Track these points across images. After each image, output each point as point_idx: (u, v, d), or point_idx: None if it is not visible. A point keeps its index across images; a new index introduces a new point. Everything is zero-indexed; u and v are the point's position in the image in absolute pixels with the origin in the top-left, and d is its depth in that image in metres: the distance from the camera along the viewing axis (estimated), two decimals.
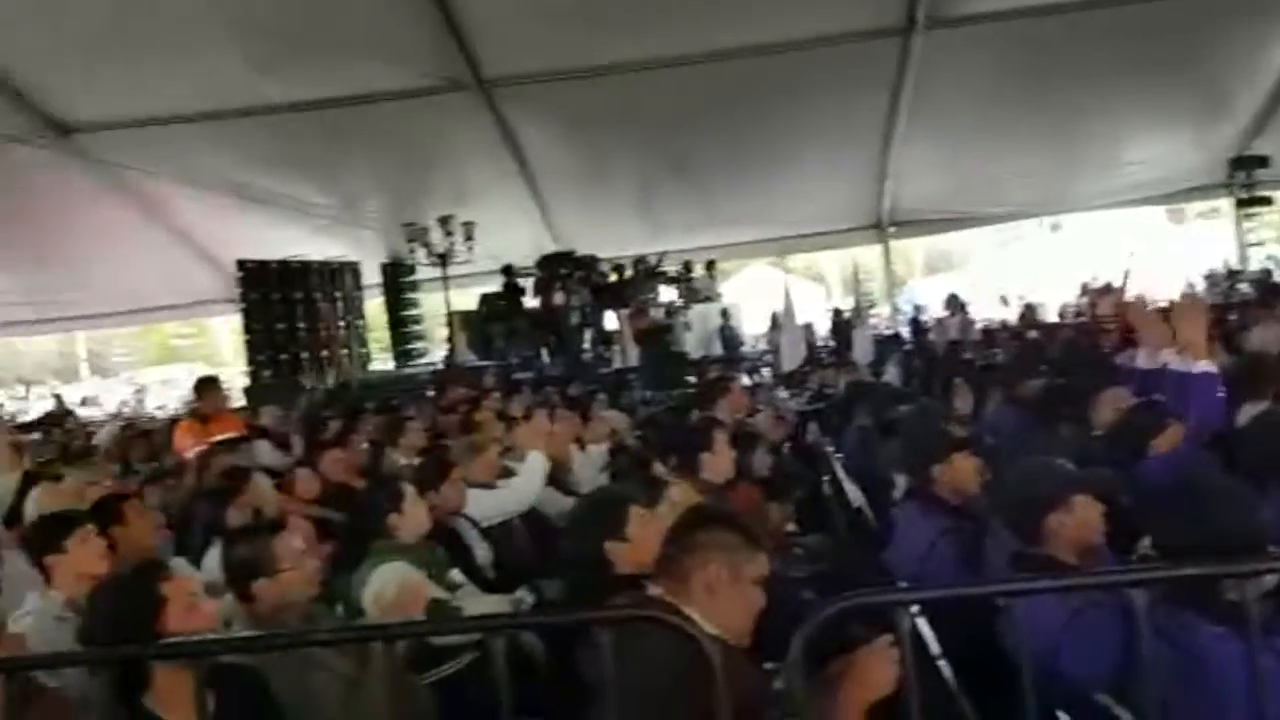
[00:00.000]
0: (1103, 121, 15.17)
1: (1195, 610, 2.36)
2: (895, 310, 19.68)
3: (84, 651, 2.77)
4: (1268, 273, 16.65)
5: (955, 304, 15.31)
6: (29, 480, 5.51)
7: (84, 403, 21.52)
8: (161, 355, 31.88)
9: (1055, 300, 17.72)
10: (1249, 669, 2.04)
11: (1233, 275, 17.11)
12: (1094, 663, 2.57)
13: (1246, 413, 4.20)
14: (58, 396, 19.74)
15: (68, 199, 14.82)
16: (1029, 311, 15.93)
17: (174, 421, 10.49)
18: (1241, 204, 17.44)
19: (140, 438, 10.21)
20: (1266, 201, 17.37)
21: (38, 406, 21.05)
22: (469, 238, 15.58)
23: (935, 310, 17.00)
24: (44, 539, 3.74)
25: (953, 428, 3.94)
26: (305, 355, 16.56)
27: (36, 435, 12.10)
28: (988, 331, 14.13)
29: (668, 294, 17.28)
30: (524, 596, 4.10)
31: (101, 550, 3.74)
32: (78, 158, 14.07)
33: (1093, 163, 16.62)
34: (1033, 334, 12.71)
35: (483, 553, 4.67)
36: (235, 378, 17.78)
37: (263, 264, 16.27)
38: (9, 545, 4.50)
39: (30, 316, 18.56)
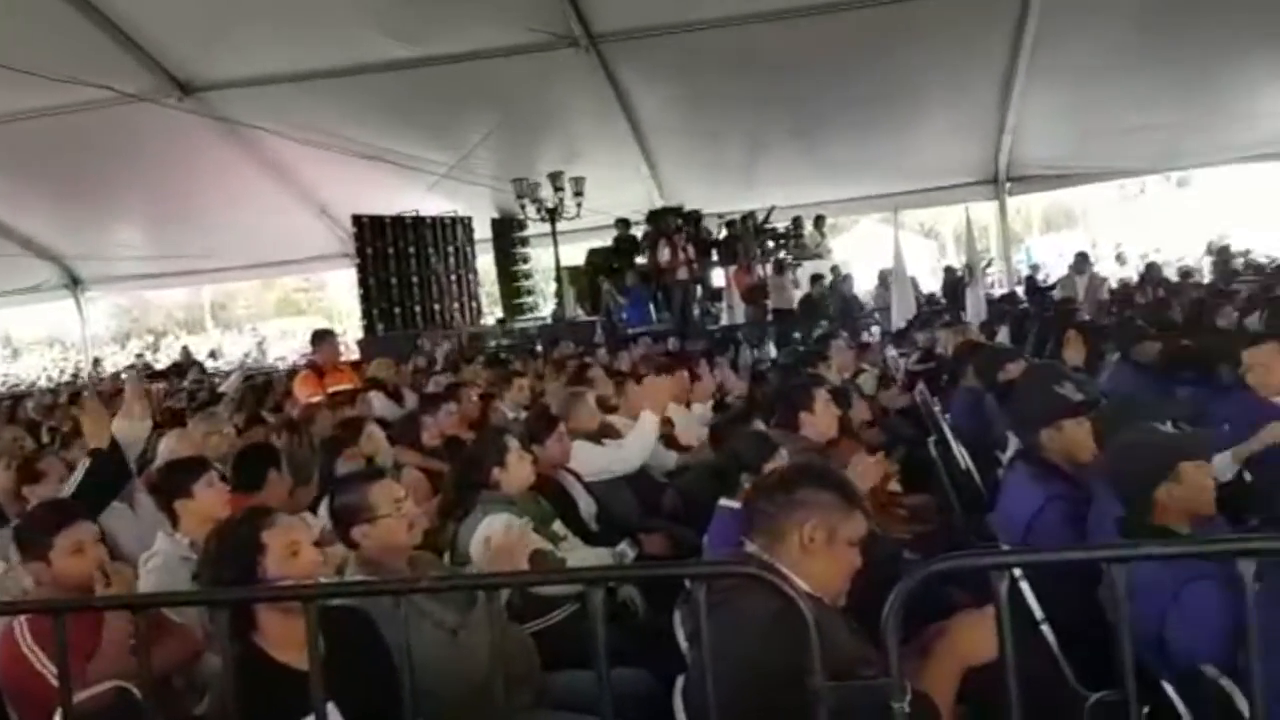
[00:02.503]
0: (1236, 70, 14.25)
1: None
2: (1012, 269, 19.14)
3: (197, 591, 2.97)
4: None
5: (1084, 262, 14.70)
6: (157, 428, 5.77)
7: (210, 354, 22.37)
8: (282, 308, 32.94)
9: (1182, 259, 16.99)
10: None
11: None
12: (1200, 634, 2.50)
13: None
14: (185, 348, 20.58)
15: (193, 158, 15.34)
16: (1151, 271, 15.25)
17: (292, 373, 10.94)
18: None
19: (264, 388, 10.63)
20: None
21: (166, 357, 22.07)
22: (578, 193, 15.61)
23: (1053, 268, 16.39)
24: (171, 484, 3.91)
25: (1065, 389, 3.79)
26: (418, 309, 16.90)
27: (164, 385, 12.61)
28: (1115, 291, 13.64)
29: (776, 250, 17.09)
30: (625, 550, 4.18)
31: (224, 496, 3.90)
32: (202, 116, 14.47)
33: (1225, 114, 15.59)
34: (1159, 293, 12.19)
35: (586, 505, 4.74)
36: (352, 330, 18.36)
37: (376, 219, 16.63)
38: (140, 489, 4.75)
39: (159, 270, 19.45)
